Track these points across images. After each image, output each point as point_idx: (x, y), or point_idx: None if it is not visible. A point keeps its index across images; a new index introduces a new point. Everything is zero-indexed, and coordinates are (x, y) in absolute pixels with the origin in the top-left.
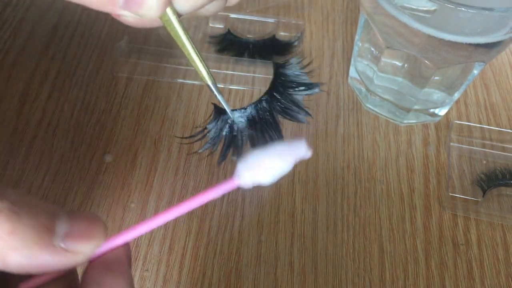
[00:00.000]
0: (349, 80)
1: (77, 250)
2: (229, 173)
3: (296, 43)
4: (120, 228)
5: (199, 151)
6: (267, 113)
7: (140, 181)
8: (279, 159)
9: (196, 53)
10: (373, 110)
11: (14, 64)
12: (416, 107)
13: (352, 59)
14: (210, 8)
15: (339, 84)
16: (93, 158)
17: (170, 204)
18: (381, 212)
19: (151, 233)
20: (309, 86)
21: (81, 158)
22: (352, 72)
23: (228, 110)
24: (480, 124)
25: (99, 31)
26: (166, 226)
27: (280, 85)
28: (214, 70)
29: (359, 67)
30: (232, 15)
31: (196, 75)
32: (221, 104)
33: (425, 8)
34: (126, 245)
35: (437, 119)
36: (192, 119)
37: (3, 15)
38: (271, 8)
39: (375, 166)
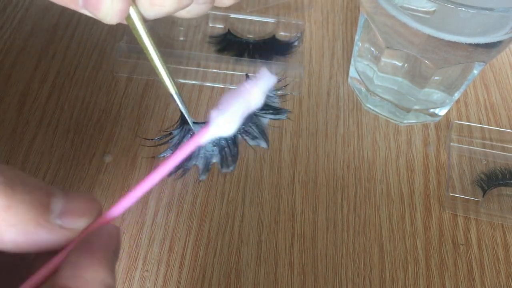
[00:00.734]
0: (349, 80)
1: (73, 227)
2: (229, 174)
3: (296, 43)
4: (120, 228)
5: (158, 156)
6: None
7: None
8: (249, 96)
9: (160, 60)
10: (373, 110)
11: (14, 64)
12: (416, 107)
13: (352, 59)
14: (192, 11)
15: (339, 84)
16: (93, 158)
17: (170, 204)
18: (381, 212)
19: (151, 233)
20: (277, 111)
21: (81, 158)
22: (352, 72)
23: (190, 122)
24: (480, 124)
25: (99, 31)
26: (166, 226)
27: None
28: (214, 70)
29: (359, 67)
30: (232, 15)
31: (196, 75)
32: (184, 115)
33: (425, 9)
34: (115, 230)
35: (437, 119)
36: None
37: (3, 15)
38: (271, 8)
39: (375, 166)
